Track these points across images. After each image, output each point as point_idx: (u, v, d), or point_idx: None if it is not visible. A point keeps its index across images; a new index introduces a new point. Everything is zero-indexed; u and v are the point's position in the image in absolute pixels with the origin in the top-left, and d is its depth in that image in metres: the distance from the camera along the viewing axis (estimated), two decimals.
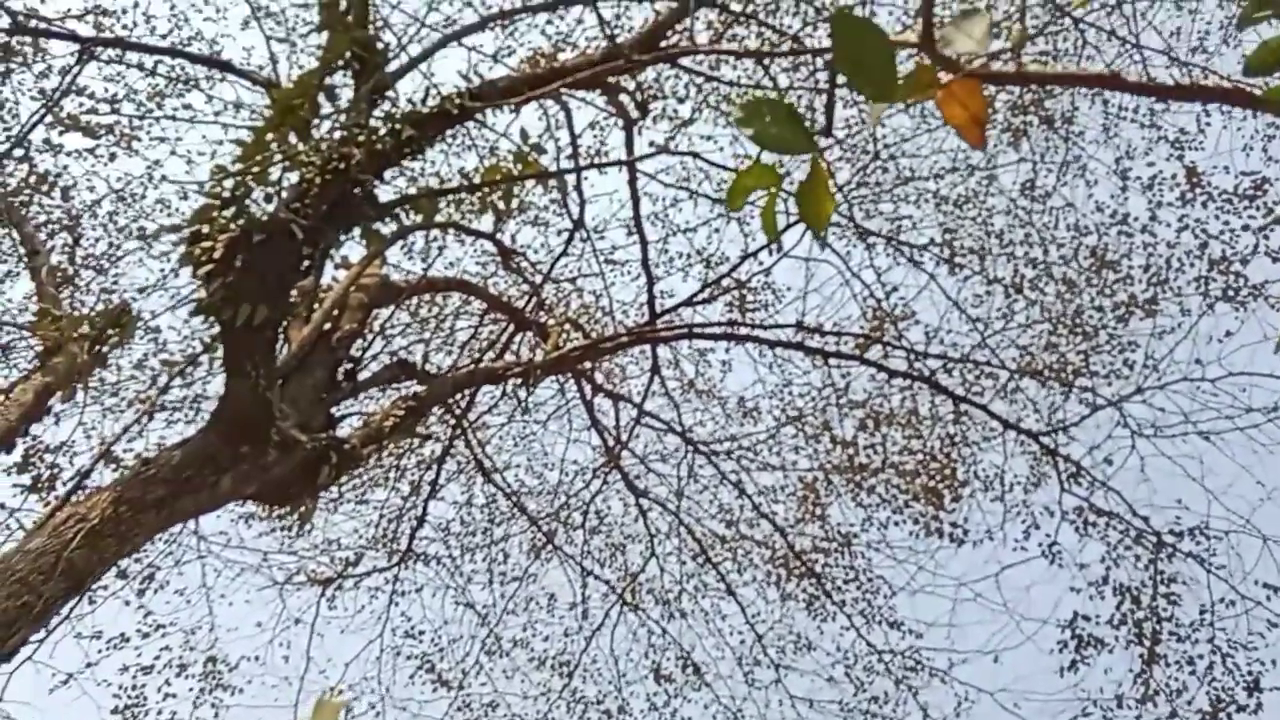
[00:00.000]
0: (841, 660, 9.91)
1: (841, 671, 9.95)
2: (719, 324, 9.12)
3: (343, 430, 6.45)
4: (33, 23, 7.16)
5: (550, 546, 9.56)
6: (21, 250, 7.18)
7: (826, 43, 9.04)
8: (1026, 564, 9.64)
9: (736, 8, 7.96)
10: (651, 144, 8.84)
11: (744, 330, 8.74)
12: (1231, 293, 9.54)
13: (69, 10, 7.72)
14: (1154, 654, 9.52)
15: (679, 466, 9.86)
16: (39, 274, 6.31)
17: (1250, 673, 9.27)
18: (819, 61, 8.24)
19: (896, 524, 10.12)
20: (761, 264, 9.36)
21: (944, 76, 2.83)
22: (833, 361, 9.21)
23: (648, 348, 9.09)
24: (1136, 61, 9.07)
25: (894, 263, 9.62)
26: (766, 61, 8.01)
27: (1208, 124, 9.72)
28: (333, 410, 6.27)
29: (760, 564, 10.47)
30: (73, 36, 7.05)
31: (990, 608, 9.43)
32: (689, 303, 8.96)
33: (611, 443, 9.34)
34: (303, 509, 5.96)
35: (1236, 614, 9.32)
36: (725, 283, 9.15)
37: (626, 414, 9.46)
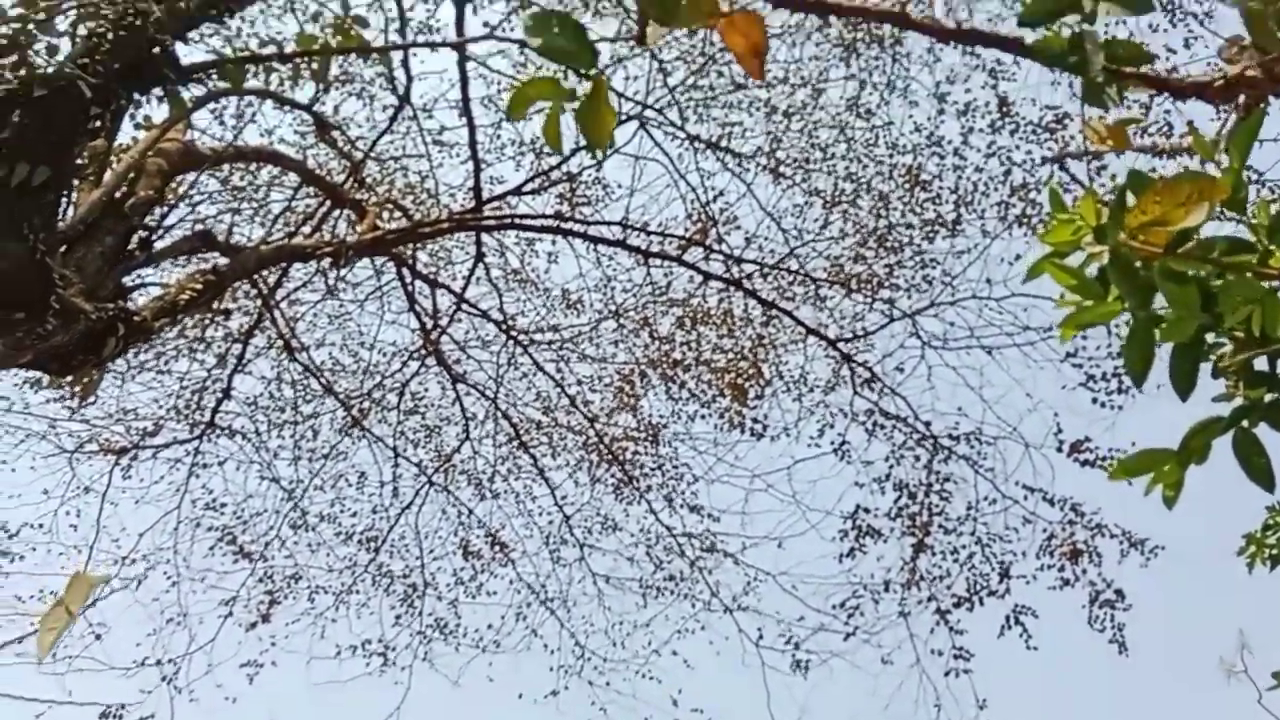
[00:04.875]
0: (643, 541, 10.47)
1: (643, 552, 10.54)
2: (546, 216, 9.15)
3: (137, 302, 6.21)
4: None
5: (358, 427, 9.56)
6: None
7: None
8: (817, 460, 10.39)
9: None
10: (485, 25, 8.63)
11: (570, 225, 8.81)
12: (1025, 219, 10.27)
13: None
14: (923, 544, 10.51)
15: (498, 354, 9.98)
16: None
17: (1003, 562, 10.39)
18: None
19: (703, 418, 10.64)
20: (594, 159, 9.39)
21: (725, 5, 2.95)
22: (654, 261, 9.44)
23: (474, 234, 9.05)
24: None
25: (721, 168, 9.85)
26: None
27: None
28: (124, 280, 6.01)
29: (573, 450, 10.82)
30: None
31: (780, 498, 10.16)
32: (517, 192, 8.94)
33: (430, 327, 9.33)
34: (86, 380, 5.74)
35: (997, 510, 10.39)
36: (555, 175, 9.14)
37: (447, 300, 9.45)
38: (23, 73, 5.01)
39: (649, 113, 8.96)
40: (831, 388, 10.37)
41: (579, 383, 10.46)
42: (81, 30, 5.38)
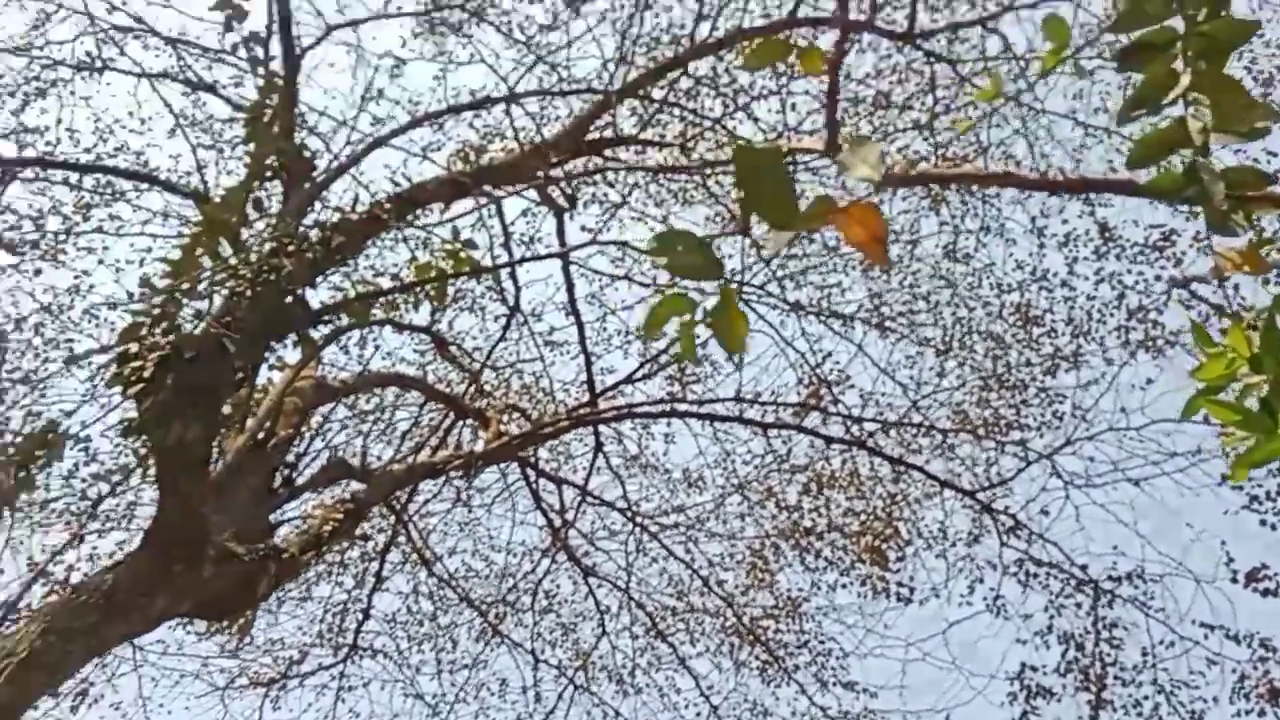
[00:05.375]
0: None
1: None
2: (659, 400, 9.23)
3: (281, 534, 6.39)
4: None
5: (495, 634, 9.49)
6: None
7: (749, 128, 9.32)
8: (973, 619, 9.80)
9: (657, 95, 8.19)
10: (583, 228, 9.02)
11: (683, 406, 8.86)
12: (1150, 341, 9.91)
13: None
14: (1101, 699, 9.68)
15: (626, 542, 9.89)
16: None
17: (1193, 711, 9.48)
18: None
19: (844, 586, 10.23)
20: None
21: (842, 200, 2.98)
22: (772, 430, 9.35)
23: (590, 425, 9.16)
24: (1042, 127, 9.50)
25: (826, 330, 9.85)
26: (689, 146, 8.24)
27: None
28: (270, 517, 6.21)
29: (713, 634, 10.49)
30: None
31: (939, 665, 9.54)
32: (628, 380, 9.07)
33: (557, 523, 9.34)
34: (242, 621, 5.86)
35: (1176, 654, 9.56)
36: (662, 359, 9.27)
37: (571, 493, 9.49)
38: (173, 337, 5.37)
39: (747, 288, 9.09)
40: (975, 540, 9.91)
41: (710, 563, 10.25)
42: (221, 291, 5.79)
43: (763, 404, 9.13)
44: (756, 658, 10.22)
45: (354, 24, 8.44)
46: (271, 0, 6.87)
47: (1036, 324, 10.20)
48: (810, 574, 10.20)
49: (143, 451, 6.42)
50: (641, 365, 9.33)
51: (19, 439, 5.54)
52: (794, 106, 9.03)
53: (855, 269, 10.03)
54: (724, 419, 9.02)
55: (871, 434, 9.52)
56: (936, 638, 9.69)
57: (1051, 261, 10.11)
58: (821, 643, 10.23)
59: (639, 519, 9.72)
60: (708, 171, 7.97)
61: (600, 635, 10.05)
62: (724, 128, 8.13)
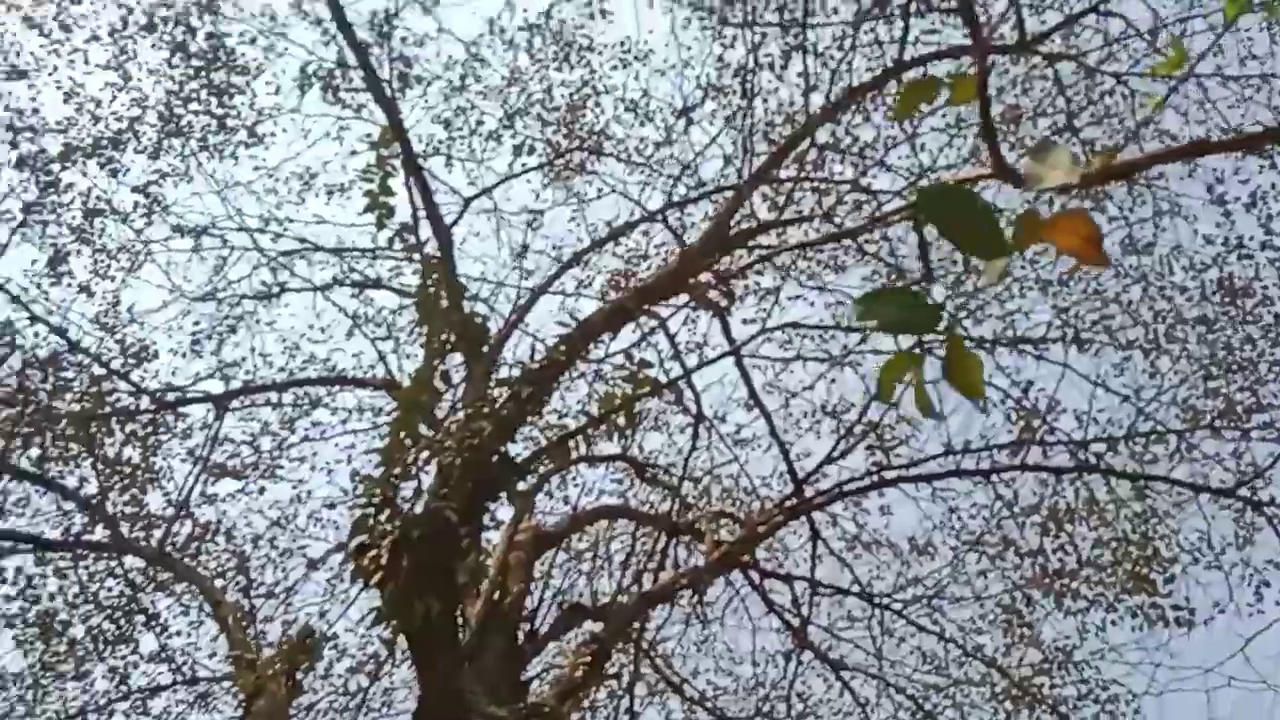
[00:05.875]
0: None
1: None
2: (866, 473, 8.91)
3: (533, 691, 6.41)
4: (170, 395, 7.84)
5: None
6: (202, 602, 7.63)
7: (885, 179, 9.20)
8: (1270, 629, 8.79)
9: (787, 174, 8.20)
10: (744, 321, 8.99)
11: (893, 474, 8.52)
12: None
13: (197, 374, 8.47)
14: None
15: (869, 626, 9.44)
16: (226, 624, 6.61)
17: None
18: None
19: (1114, 623, 9.42)
20: (889, 401, 9.20)
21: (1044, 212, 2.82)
22: (994, 476, 8.86)
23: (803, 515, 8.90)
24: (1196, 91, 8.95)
25: (1022, 360, 9.37)
26: (831, 214, 8.16)
27: None
28: (520, 676, 6.24)
29: (983, 704, 9.80)
30: (207, 397, 7.66)
31: (1247, 687, 8.56)
32: (829, 460, 8.81)
33: (795, 622, 9.03)
34: None
35: None
36: (858, 430, 8.99)
37: (801, 587, 9.18)
38: (398, 521, 5.57)
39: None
40: (1247, 541, 8.99)
41: (962, 629, 9.66)
42: (429, 468, 6.00)
43: (975, 451, 8.67)
44: (1038, 719, 9.46)
45: (487, 191, 8.89)
46: (411, 189, 7.30)
47: (1246, 295, 9.42)
48: (1074, 617, 9.46)
49: (389, 636, 6.61)
50: (838, 442, 9.07)
51: (281, 650, 5.80)
52: (923, 147, 8.87)
53: (1032, 289, 9.58)
54: (938, 476, 8.61)
55: (1100, 455, 8.87)
56: (1235, 658, 8.73)
57: (1243, 226, 9.38)
58: (1105, 688, 9.40)
59: (876, 599, 9.30)
60: (864, 234, 7.85)
61: None
62: (861, 187, 8.04)
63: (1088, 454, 8.86)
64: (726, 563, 7.64)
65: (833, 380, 9.71)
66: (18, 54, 7.97)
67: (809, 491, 8.72)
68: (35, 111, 8.06)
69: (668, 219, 8.71)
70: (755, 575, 8.85)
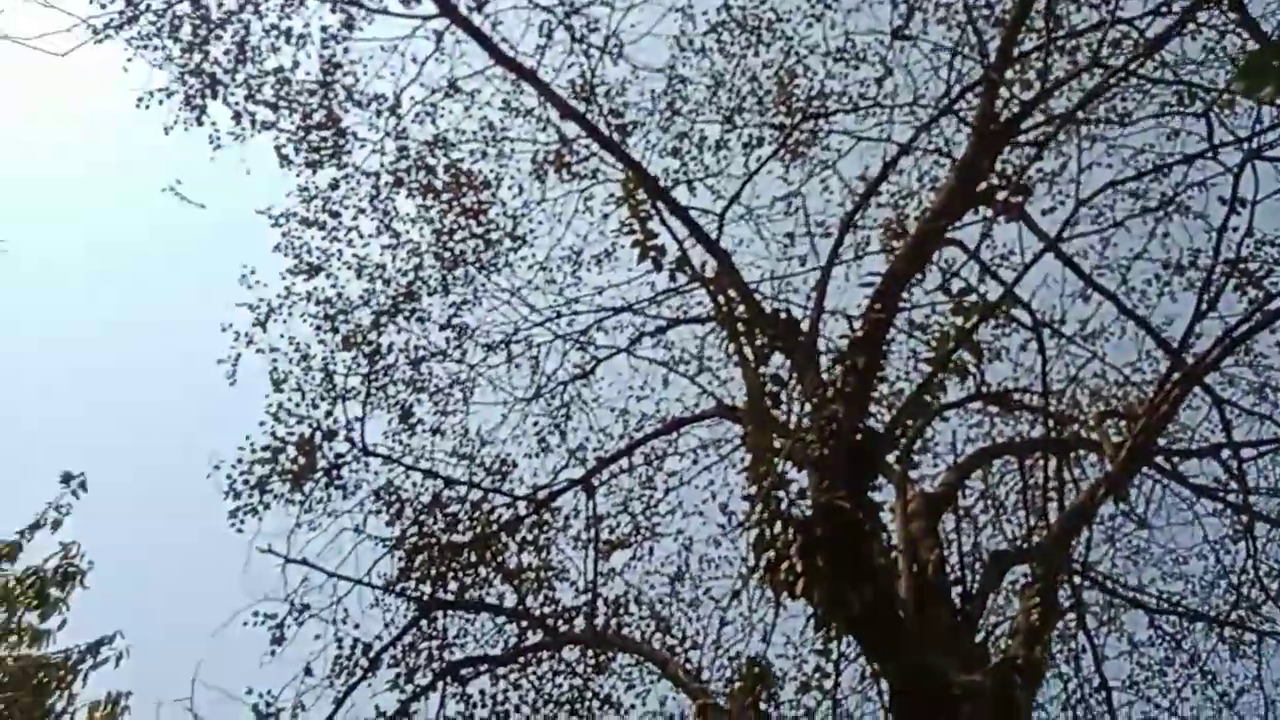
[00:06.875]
0: None
1: None
2: (1246, 316, 7.85)
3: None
4: (540, 494, 8.47)
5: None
6: (644, 669, 8.15)
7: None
8: None
9: None
10: (1043, 211, 8.28)
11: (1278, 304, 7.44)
12: None
13: (554, 468, 9.14)
14: None
15: None
16: (679, 679, 6.98)
17: None
18: None
19: None
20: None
21: None
22: None
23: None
24: None
25: None
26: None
27: None
28: (974, 637, 5.95)
29: None
30: (572, 484, 8.03)
31: None
32: (1201, 316, 7.83)
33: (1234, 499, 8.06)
34: None
35: None
36: (1218, 271, 7.94)
37: (1226, 454, 8.17)
38: (793, 526, 5.49)
39: None
40: None
41: None
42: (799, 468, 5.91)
43: None
44: None
45: (735, 199, 8.79)
46: (668, 223, 7.41)
47: None
48: None
49: (823, 646, 6.55)
50: (1201, 293, 8.05)
51: (737, 686, 5.88)
52: None
53: None
54: None
55: None
56: None
57: None
58: None
59: None
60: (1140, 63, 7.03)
61: None
62: (1120, 19, 7.22)
63: None
64: (1136, 459, 6.95)
65: (1165, 234, 8.71)
66: (308, 252, 8.96)
67: (1189, 360, 7.80)
68: (340, 295, 9.00)
69: (920, 146, 8.28)
70: (1168, 463, 8.01)
